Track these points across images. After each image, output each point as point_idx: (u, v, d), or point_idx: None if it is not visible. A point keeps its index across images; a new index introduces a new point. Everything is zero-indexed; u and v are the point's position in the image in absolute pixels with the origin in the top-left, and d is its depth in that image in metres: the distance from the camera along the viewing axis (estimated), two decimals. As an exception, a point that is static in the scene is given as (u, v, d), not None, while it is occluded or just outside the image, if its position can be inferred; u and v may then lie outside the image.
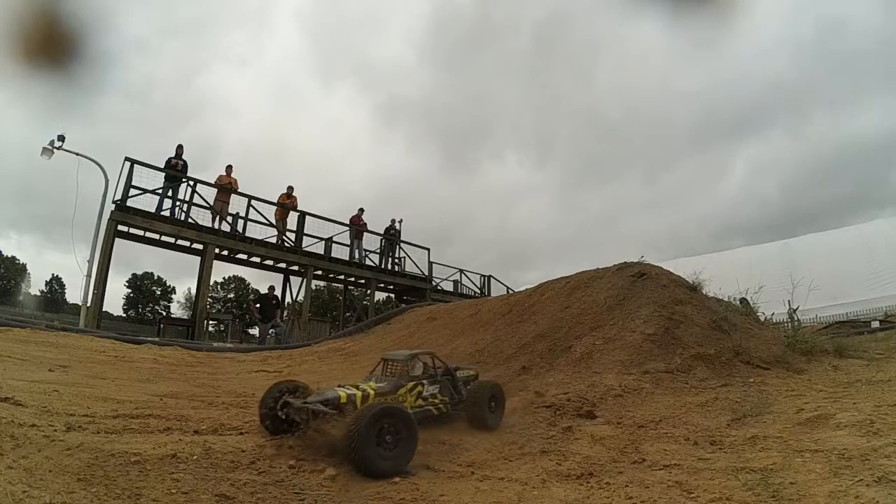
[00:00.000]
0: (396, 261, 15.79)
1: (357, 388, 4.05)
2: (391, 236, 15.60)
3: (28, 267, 44.29)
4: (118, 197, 10.53)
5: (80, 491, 2.75)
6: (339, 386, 4.09)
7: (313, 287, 16.05)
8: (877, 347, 5.99)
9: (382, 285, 15.67)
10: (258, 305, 12.29)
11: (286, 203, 13.32)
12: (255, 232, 12.74)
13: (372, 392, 4.05)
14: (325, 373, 7.45)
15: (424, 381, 4.43)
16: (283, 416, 3.86)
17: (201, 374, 6.61)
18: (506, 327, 7.23)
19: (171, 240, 11.77)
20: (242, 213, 12.58)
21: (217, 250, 12.03)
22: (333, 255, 14.20)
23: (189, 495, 2.89)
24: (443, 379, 4.63)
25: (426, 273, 16.06)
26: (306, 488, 3.11)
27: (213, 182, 12.22)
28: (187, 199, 11.70)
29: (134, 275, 46.07)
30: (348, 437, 3.30)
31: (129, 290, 47.11)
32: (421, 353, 4.83)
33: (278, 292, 13.42)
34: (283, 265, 13.86)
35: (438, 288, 16.59)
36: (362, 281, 15.32)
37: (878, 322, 9.14)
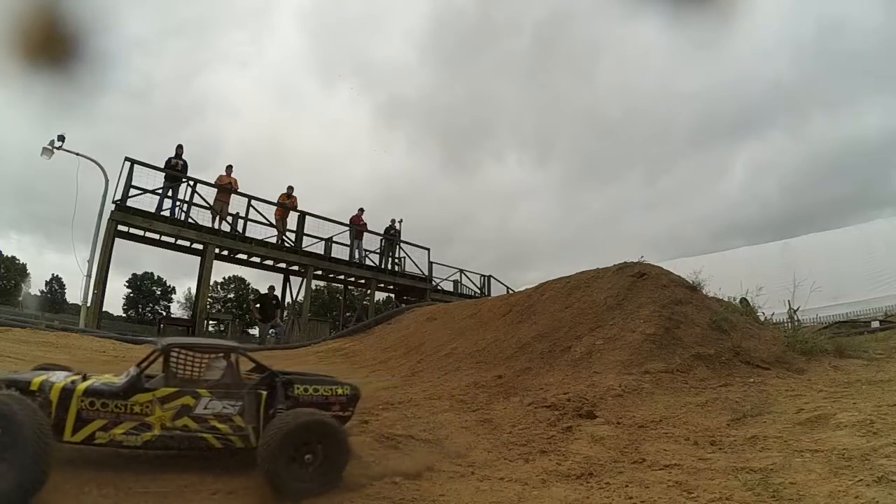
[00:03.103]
0: (396, 261, 15.79)
1: (84, 378, 3.10)
2: (391, 236, 15.60)
3: (28, 267, 44.23)
4: (118, 197, 10.53)
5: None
6: (74, 372, 3.23)
7: (313, 287, 16.06)
8: (877, 347, 5.99)
9: (382, 285, 15.66)
10: (258, 305, 12.31)
11: (286, 203, 13.32)
12: (255, 232, 12.75)
13: (83, 387, 2.94)
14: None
15: (200, 393, 3.11)
16: None
17: (201, 374, 6.60)
18: (506, 327, 7.23)
19: (171, 240, 11.77)
20: (242, 213, 12.59)
21: (217, 250, 12.03)
22: (333, 255, 14.20)
23: (190, 492, 2.89)
24: (250, 394, 3.21)
25: (426, 273, 16.05)
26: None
27: (213, 182, 12.22)
28: (187, 199, 11.70)
29: (134, 275, 46.06)
30: None
31: (129, 290, 47.12)
32: (216, 345, 3.52)
33: (278, 292, 13.43)
34: (283, 265, 13.86)
35: (438, 288, 16.58)
36: (362, 281, 15.32)
37: (878, 322, 9.12)
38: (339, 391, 3.52)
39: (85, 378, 3.09)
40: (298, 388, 3.38)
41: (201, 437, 3.05)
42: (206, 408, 3.08)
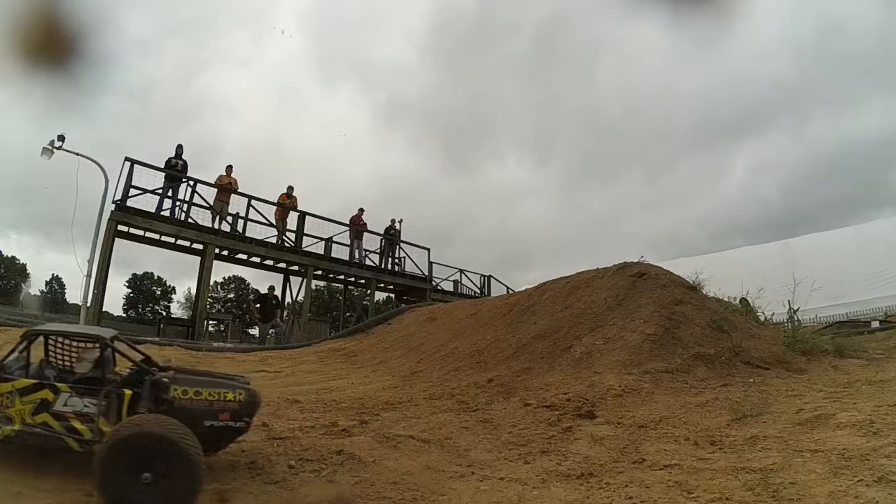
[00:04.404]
0: (396, 261, 15.79)
1: None
2: (391, 236, 15.60)
3: (28, 267, 44.25)
4: (118, 197, 10.53)
5: (78, 491, 2.75)
6: None
7: (313, 287, 16.06)
8: (877, 347, 5.99)
9: (382, 285, 15.66)
10: (258, 305, 12.31)
11: (286, 203, 13.32)
12: (255, 232, 12.75)
13: None
14: (324, 373, 7.45)
15: (60, 388, 2.84)
16: None
17: (201, 374, 6.60)
18: (506, 327, 7.23)
19: (171, 240, 11.77)
20: (242, 213, 12.60)
21: (217, 250, 12.03)
22: (333, 255, 14.20)
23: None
24: (112, 392, 2.86)
25: (426, 273, 16.04)
26: (307, 488, 3.12)
27: (213, 182, 12.22)
28: (187, 199, 11.71)
29: (134, 275, 46.08)
30: None
31: (129, 290, 47.13)
32: (83, 334, 3.20)
33: (278, 292, 13.42)
34: (283, 265, 13.86)
35: (438, 288, 16.57)
36: (362, 281, 15.32)
37: (878, 322, 9.12)
38: (230, 396, 2.96)
39: None
40: (176, 390, 2.89)
41: (62, 438, 2.76)
42: (65, 405, 2.80)
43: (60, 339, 3.24)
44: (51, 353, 3.20)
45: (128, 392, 2.87)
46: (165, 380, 2.94)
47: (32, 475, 2.77)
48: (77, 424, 2.79)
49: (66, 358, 3.24)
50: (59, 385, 2.86)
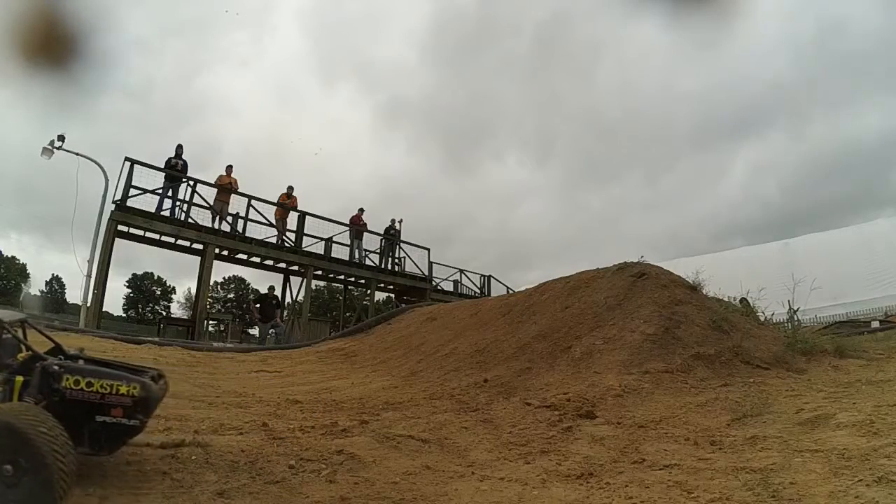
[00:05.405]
0: (396, 261, 15.81)
1: None
2: (391, 236, 15.61)
3: (28, 267, 44.32)
4: (118, 197, 10.54)
5: (79, 493, 2.75)
6: None
7: (313, 287, 16.08)
8: (877, 347, 5.99)
9: (382, 285, 15.68)
10: (258, 305, 12.32)
11: (286, 203, 13.33)
12: (255, 232, 12.79)
13: None
14: (324, 373, 7.45)
15: None
16: None
17: (201, 374, 6.60)
18: (506, 327, 7.23)
19: (171, 240, 11.79)
20: (242, 213, 12.61)
21: (217, 250, 12.04)
22: (333, 255, 14.21)
23: (189, 496, 2.89)
24: (6, 379, 2.72)
25: (426, 273, 16.06)
26: (307, 488, 3.11)
27: (213, 182, 12.23)
28: (187, 199, 11.72)
29: (134, 275, 46.17)
30: None
31: (129, 290, 47.19)
32: None
33: (278, 292, 13.45)
34: (283, 265, 13.88)
35: (438, 288, 16.60)
36: (362, 281, 15.33)
37: (878, 322, 9.13)
38: (123, 390, 2.65)
39: None
40: (67, 380, 2.65)
41: None
42: None
43: None
44: None
45: (19, 379, 2.66)
46: (56, 367, 2.69)
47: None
48: None
49: None
50: None
